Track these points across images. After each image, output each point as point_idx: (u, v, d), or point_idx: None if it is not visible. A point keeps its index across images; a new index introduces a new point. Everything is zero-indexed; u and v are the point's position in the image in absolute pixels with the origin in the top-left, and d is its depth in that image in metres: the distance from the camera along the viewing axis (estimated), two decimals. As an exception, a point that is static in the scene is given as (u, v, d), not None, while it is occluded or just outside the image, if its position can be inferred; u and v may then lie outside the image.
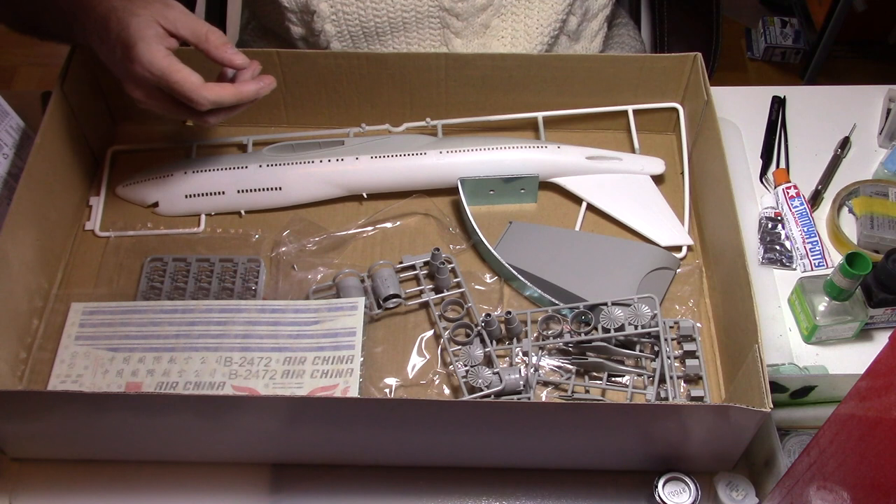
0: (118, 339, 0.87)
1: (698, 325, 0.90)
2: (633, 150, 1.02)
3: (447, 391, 0.86)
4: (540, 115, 1.02)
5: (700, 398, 0.85)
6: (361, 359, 0.85)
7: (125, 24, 0.81)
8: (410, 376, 0.87)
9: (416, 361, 0.88)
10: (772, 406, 0.71)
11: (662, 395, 0.84)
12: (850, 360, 0.90)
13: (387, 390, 0.86)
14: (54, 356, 0.86)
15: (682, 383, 0.87)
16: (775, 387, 0.80)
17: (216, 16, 1.32)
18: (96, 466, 0.83)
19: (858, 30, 2.23)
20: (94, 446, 0.82)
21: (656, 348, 0.86)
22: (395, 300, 0.90)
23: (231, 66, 0.85)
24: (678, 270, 0.94)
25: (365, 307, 0.88)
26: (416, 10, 0.99)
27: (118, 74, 0.84)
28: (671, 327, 0.89)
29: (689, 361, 0.86)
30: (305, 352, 0.86)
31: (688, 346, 0.88)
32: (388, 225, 0.97)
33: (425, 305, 0.91)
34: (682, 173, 1.00)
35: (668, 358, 0.85)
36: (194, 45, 0.84)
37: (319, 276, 0.93)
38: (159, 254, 0.94)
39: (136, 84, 0.82)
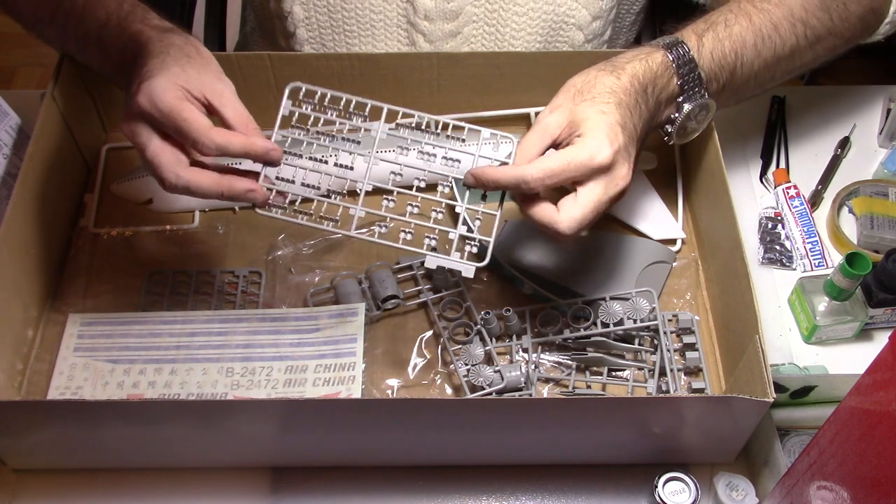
0: (118, 350, 0.86)
1: (696, 317, 0.90)
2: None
3: (449, 390, 0.86)
4: (532, 110, 1.03)
5: (701, 390, 0.85)
6: (363, 365, 0.85)
7: (147, 59, 0.77)
8: (412, 377, 0.87)
9: (416, 362, 0.88)
10: (774, 395, 0.71)
11: (664, 388, 0.84)
12: (850, 360, 0.90)
13: (388, 391, 0.86)
14: (51, 367, 0.86)
15: (683, 376, 0.87)
16: (775, 387, 0.80)
17: (216, 16, 1.32)
18: (98, 475, 0.83)
19: (858, 30, 2.23)
20: (94, 455, 0.82)
21: (655, 342, 0.87)
22: (393, 301, 0.90)
23: (263, 158, 0.76)
24: (674, 264, 0.94)
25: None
26: (384, 15, 0.99)
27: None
28: (669, 320, 0.89)
29: (688, 354, 0.87)
30: (307, 360, 0.86)
31: (687, 339, 0.88)
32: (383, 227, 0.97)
33: (424, 305, 0.91)
34: (675, 167, 1.01)
35: (668, 351, 0.86)
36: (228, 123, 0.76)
37: (317, 278, 0.93)
38: (155, 253, 0.94)
39: (133, 120, 0.75)
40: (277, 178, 0.78)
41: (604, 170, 0.75)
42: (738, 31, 0.84)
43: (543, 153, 0.77)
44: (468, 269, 0.76)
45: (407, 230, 0.78)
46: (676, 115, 0.83)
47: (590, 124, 0.75)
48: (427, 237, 0.78)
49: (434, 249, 0.77)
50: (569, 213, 0.74)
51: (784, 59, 0.88)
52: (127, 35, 0.81)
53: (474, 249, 0.77)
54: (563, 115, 0.77)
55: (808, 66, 0.92)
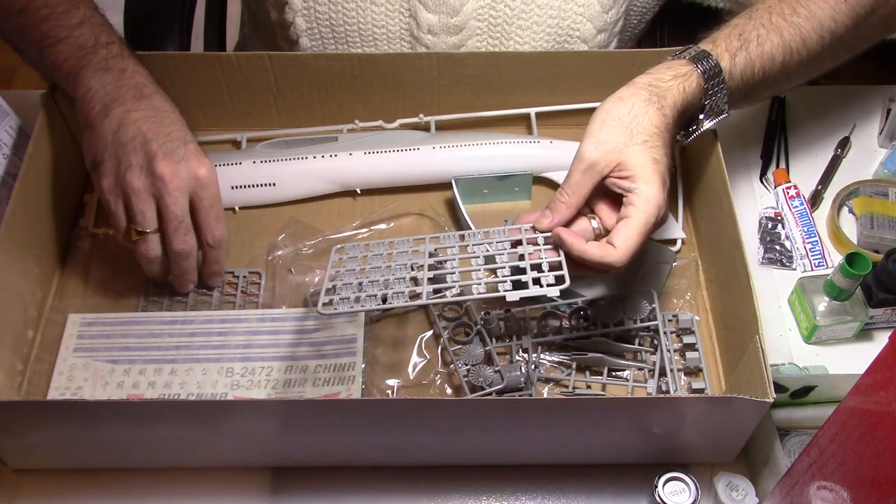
0: (118, 350, 0.86)
1: (696, 317, 0.90)
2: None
3: (449, 390, 0.86)
4: (532, 110, 1.03)
5: (701, 390, 0.85)
6: (363, 365, 0.85)
7: (180, 128, 0.85)
8: (412, 377, 0.87)
9: (416, 362, 0.88)
10: (774, 395, 0.71)
11: (664, 388, 0.84)
12: (850, 360, 0.90)
13: (389, 391, 0.86)
14: (51, 367, 0.85)
15: (683, 376, 0.87)
16: (775, 387, 0.80)
17: (216, 16, 1.31)
18: (98, 475, 0.83)
19: (858, 30, 2.22)
20: (94, 455, 0.82)
21: (655, 342, 0.87)
22: (394, 300, 0.90)
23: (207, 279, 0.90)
24: (674, 264, 0.94)
25: (364, 308, 0.88)
26: (387, 29, 0.99)
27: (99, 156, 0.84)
28: (669, 320, 0.89)
29: (688, 354, 0.87)
30: (307, 360, 0.86)
31: (687, 339, 0.88)
32: (383, 226, 0.97)
33: (424, 305, 0.91)
34: (675, 167, 1.01)
35: (668, 351, 0.86)
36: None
37: (317, 278, 0.92)
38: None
39: (181, 178, 0.82)
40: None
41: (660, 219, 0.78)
42: (769, 48, 0.83)
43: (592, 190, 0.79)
44: (553, 291, 0.75)
45: (475, 280, 0.78)
46: (694, 128, 0.84)
47: (645, 174, 0.76)
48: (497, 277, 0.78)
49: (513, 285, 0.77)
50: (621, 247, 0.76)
51: (806, 68, 0.88)
52: (128, 64, 0.87)
53: (550, 279, 0.76)
54: (612, 156, 0.77)
55: (827, 70, 0.92)
